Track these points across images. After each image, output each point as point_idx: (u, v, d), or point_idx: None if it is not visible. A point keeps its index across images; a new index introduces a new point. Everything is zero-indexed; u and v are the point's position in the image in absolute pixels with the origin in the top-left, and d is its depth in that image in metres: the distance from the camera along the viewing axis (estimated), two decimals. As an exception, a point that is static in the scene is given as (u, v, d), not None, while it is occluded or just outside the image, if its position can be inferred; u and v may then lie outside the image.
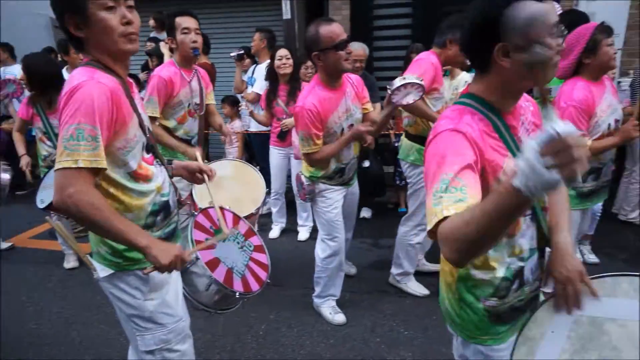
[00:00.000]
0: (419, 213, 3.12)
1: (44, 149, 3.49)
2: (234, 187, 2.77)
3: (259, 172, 2.96)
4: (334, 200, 2.78)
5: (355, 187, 2.98)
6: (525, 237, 1.24)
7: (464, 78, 3.43)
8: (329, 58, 2.39)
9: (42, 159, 3.51)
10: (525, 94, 1.27)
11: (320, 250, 2.90)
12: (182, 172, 1.83)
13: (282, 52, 4.04)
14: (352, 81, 2.68)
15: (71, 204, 1.28)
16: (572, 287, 1.13)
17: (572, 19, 2.78)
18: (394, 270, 3.32)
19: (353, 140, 2.63)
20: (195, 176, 1.83)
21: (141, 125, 1.50)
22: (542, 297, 1.34)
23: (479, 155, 1.09)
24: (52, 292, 3.49)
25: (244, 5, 6.12)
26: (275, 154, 4.19)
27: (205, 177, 1.82)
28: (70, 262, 3.81)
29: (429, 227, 1.02)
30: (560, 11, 4.68)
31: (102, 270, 1.55)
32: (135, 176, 1.48)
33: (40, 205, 2.76)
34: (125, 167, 1.45)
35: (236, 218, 1.97)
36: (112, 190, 1.45)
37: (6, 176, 2.02)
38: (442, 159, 1.06)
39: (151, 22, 5.39)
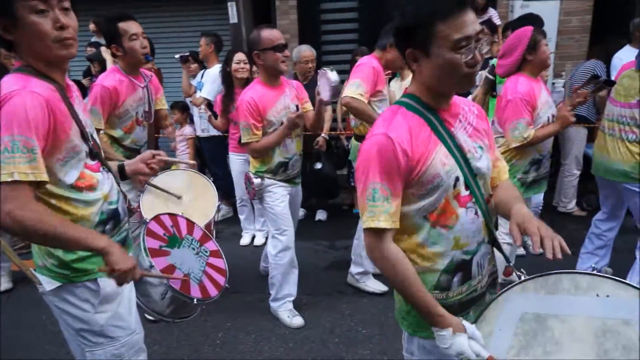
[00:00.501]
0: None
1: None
2: (185, 199, 2.70)
3: (211, 182, 2.91)
4: (280, 194, 2.91)
5: (299, 188, 3.12)
6: (470, 230, 1.27)
7: None
8: (267, 58, 2.66)
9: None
10: (467, 100, 1.39)
11: (272, 247, 2.96)
12: (138, 166, 1.76)
13: (240, 56, 4.03)
14: (292, 84, 2.96)
15: (11, 221, 1.20)
16: (546, 231, 1.17)
17: (527, 22, 3.07)
18: (353, 269, 3.37)
19: (289, 129, 2.80)
20: (150, 165, 1.78)
21: (83, 133, 1.43)
22: (488, 297, 1.37)
23: (404, 155, 1.18)
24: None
25: (188, 9, 6.02)
26: (235, 160, 4.13)
27: (157, 166, 1.80)
28: (3, 284, 3.56)
29: (364, 226, 1.22)
30: (497, 19, 4.98)
31: (48, 284, 1.46)
32: (77, 186, 1.41)
33: None
34: (66, 179, 1.38)
35: (190, 224, 1.94)
36: (54, 201, 1.38)
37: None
38: (371, 164, 1.19)
39: (91, 27, 5.20)
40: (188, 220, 1.93)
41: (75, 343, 1.60)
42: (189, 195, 2.70)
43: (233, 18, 5.37)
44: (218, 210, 2.97)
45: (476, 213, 1.28)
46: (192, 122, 5.09)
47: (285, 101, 2.83)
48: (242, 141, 2.85)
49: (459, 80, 1.17)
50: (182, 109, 5.05)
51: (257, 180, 2.88)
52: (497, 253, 1.40)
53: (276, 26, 5.50)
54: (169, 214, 1.86)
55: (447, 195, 1.23)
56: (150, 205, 2.51)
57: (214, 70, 4.52)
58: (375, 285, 3.32)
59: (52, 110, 1.28)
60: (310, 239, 3.35)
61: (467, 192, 1.25)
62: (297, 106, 2.89)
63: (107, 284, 1.49)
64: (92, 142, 1.48)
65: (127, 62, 2.81)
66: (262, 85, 2.78)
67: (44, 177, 1.25)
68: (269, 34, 2.64)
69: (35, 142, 1.23)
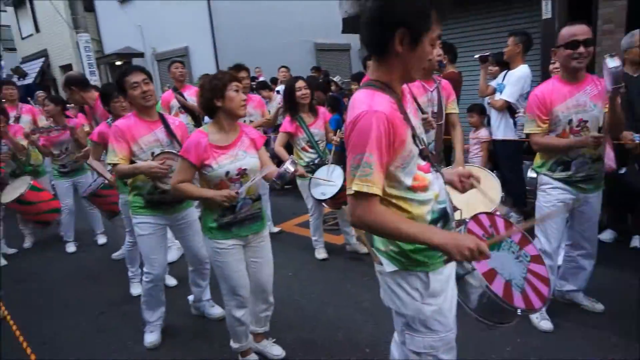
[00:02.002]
0: None
1: (305, 156, 4.12)
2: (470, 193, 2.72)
3: (495, 176, 2.88)
4: (554, 197, 2.82)
5: (592, 196, 2.85)
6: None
7: None
8: (560, 54, 2.63)
9: (304, 164, 4.10)
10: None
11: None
12: (453, 177, 1.82)
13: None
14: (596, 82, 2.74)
15: (361, 223, 1.47)
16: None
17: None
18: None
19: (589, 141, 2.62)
20: (463, 182, 1.82)
21: (415, 137, 1.55)
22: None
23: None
24: (312, 273, 4.09)
25: (496, 9, 5.91)
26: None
27: (475, 182, 1.81)
28: (321, 254, 4.36)
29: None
30: None
31: (387, 265, 1.65)
32: (413, 187, 1.55)
33: (320, 197, 3.70)
34: (405, 181, 1.53)
35: (508, 224, 1.85)
36: (394, 200, 1.56)
37: (291, 168, 2.54)
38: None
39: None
40: (506, 220, 1.86)
41: (399, 321, 1.78)
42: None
43: (547, 13, 5.01)
44: (508, 217, 2.91)
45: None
46: (488, 125, 5.03)
47: (580, 99, 2.66)
48: (525, 131, 2.87)
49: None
50: (480, 112, 5.05)
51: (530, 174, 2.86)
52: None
53: (597, 17, 4.85)
54: (487, 213, 1.82)
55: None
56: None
57: (519, 72, 4.34)
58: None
59: (392, 126, 1.43)
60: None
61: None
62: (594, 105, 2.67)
63: (436, 279, 1.62)
64: (422, 145, 1.61)
65: (420, 69, 3.07)
66: (559, 80, 2.72)
67: (376, 190, 1.44)
68: (567, 31, 2.57)
69: (373, 158, 1.41)
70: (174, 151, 2.87)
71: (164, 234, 3.08)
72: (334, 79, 8.09)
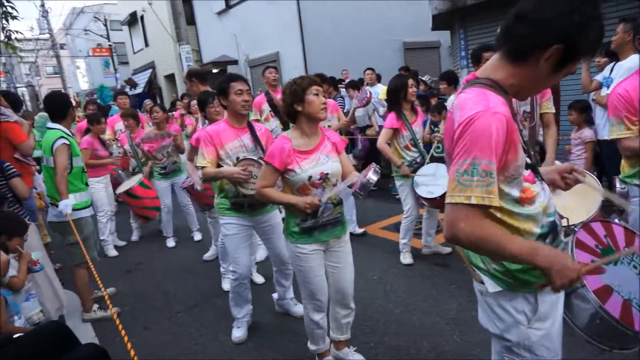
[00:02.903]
0: None
1: (408, 155, 4.06)
2: (567, 196, 2.50)
3: (597, 180, 2.59)
4: None
5: None
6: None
7: None
8: None
9: (406, 164, 4.07)
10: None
11: None
12: (554, 175, 1.65)
13: None
14: None
15: (462, 238, 1.30)
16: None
17: None
18: None
19: None
20: (565, 178, 1.64)
21: (523, 146, 1.41)
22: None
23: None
24: (397, 278, 4.02)
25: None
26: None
27: (580, 176, 1.62)
28: (407, 259, 4.26)
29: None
30: None
31: (490, 285, 1.50)
32: (520, 200, 1.41)
33: (429, 196, 3.84)
34: (512, 193, 1.40)
35: (629, 234, 1.61)
36: (498, 214, 1.41)
37: (374, 178, 2.47)
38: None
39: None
40: (626, 228, 1.61)
41: (496, 345, 1.62)
42: (573, 193, 2.51)
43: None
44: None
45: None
46: (592, 124, 4.59)
47: None
48: (611, 136, 2.53)
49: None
50: (581, 110, 4.62)
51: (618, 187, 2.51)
52: None
53: None
54: (602, 221, 1.62)
55: None
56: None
57: (629, 63, 3.89)
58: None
59: (510, 131, 1.31)
60: None
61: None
62: None
63: (545, 301, 1.46)
64: (529, 154, 1.46)
65: None
66: None
67: (496, 202, 1.29)
68: None
69: (494, 166, 1.26)
70: (255, 158, 3.00)
71: (248, 234, 3.23)
72: (423, 78, 7.90)
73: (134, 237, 6.09)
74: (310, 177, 2.44)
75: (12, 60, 33.61)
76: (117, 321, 2.26)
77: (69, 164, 3.56)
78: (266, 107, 5.59)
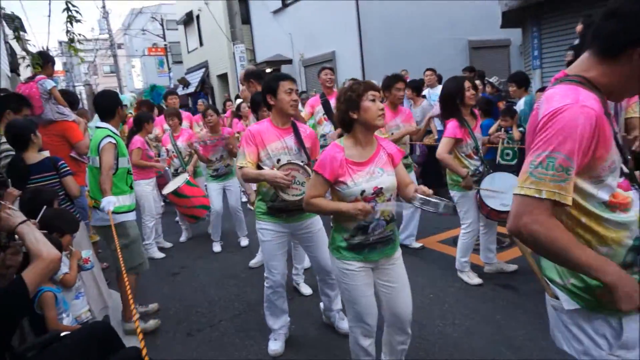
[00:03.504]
0: None
1: (471, 164, 3.93)
2: None
3: None
4: None
5: None
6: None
7: None
8: None
9: (470, 173, 3.92)
10: None
11: None
12: None
13: None
14: None
15: (525, 233, 1.29)
16: None
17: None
18: None
19: None
20: None
21: (619, 147, 1.37)
22: None
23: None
24: (456, 297, 3.87)
25: None
26: None
27: None
28: (473, 279, 4.08)
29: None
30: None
31: (565, 302, 1.45)
32: (610, 205, 1.36)
33: (503, 209, 3.71)
34: (596, 197, 1.35)
35: None
36: (584, 219, 1.37)
37: (441, 210, 2.34)
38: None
39: (579, 28, 5.15)
40: None
41: None
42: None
43: None
44: None
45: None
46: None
47: None
48: None
49: None
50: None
51: None
52: None
53: None
54: None
55: None
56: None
57: None
58: None
59: (600, 128, 1.27)
60: None
61: None
62: None
63: (631, 327, 1.38)
64: (625, 159, 1.41)
65: None
66: None
67: (569, 200, 1.26)
68: None
69: (573, 162, 1.25)
70: (299, 162, 2.97)
71: (284, 241, 3.22)
72: (490, 80, 7.64)
73: (183, 238, 6.29)
74: (363, 192, 2.35)
75: (73, 60, 36.00)
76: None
77: (115, 164, 3.58)
78: (320, 109, 5.61)
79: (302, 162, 2.98)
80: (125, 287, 3.54)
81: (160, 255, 5.70)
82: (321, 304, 3.60)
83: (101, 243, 5.45)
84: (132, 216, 3.71)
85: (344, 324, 3.42)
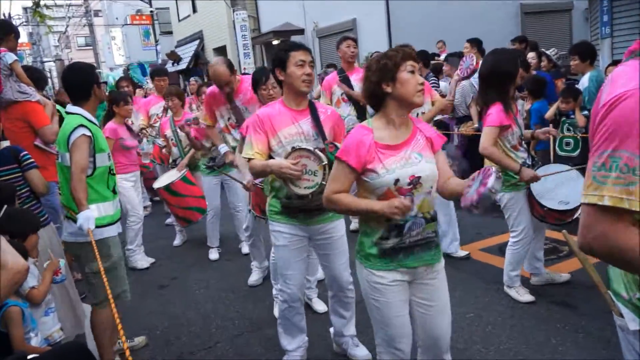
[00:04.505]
0: None
1: (518, 156, 3.89)
2: None
3: None
4: None
5: None
6: None
7: None
8: None
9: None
10: None
11: None
12: None
13: None
14: None
15: (595, 247, 1.29)
16: None
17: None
18: None
19: None
20: None
21: None
22: None
23: None
24: (502, 317, 3.86)
25: None
26: None
27: None
28: (525, 296, 4.06)
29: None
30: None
31: (631, 321, 1.46)
32: None
33: (562, 207, 3.75)
34: None
35: None
36: None
37: (496, 186, 2.26)
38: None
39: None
40: None
41: None
42: None
43: None
44: None
45: None
46: None
47: None
48: None
49: None
50: None
51: None
52: None
53: None
54: None
55: None
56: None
57: None
58: None
59: None
60: None
61: None
62: None
63: None
64: None
65: None
66: None
67: (637, 205, 1.23)
68: None
69: None
70: (310, 148, 2.93)
71: (302, 247, 3.23)
72: (547, 52, 7.57)
73: (177, 241, 6.42)
74: (397, 181, 2.31)
75: (40, 30, 36.35)
76: None
77: (91, 162, 3.27)
78: (338, 89, 5.62)
79: (315, 147, 2.97)
80: (104, 324, 3.35)
81: (146, 263, 5.77)
82: (331, 329, 3.58)
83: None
84: (115, 230, 3.43)
85: (359, 351, 3.43)
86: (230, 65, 4.62)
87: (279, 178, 3.00)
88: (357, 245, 2.52)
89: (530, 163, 3.93)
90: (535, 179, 3.76)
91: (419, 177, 2.33)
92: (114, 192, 3.47)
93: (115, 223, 3.42)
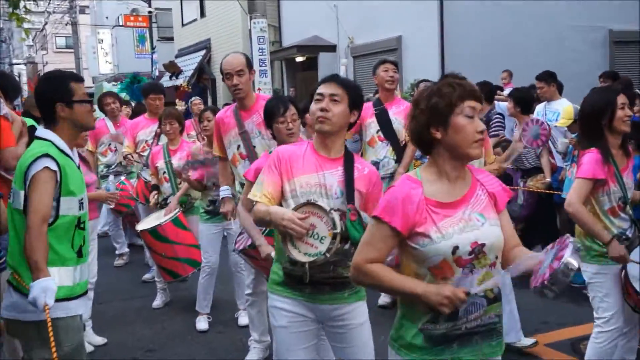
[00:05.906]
0: None
1: (614, 224, 3.85)
2: None
3: None
4: None
5: None
6: None
7: None
8: None
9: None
10: None
11: None
12: None
13: None
14: None
15: None
16: None
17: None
18: None
19: None
20: None
21: None
22: None
23: None
24: None
25: None
26: None
27: None
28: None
29: None
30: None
31: None
32: None
33: None
34: None
35: None
36: None
37: (574, 263, 2.24)
38: None
39: None
40: None
41: None
42: None
43: None
44: None
45: None
46: None
47: None
48: None
49: None
50: None
51: None
52: None
53: None
54: None
55: None
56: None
57: None
58: None
59: None
60: None
61: None
62: None
63: None
64: None
65: None
66: None
67: None
68: None
69: None
70: (326, 208, 2.81)
71: (309, 331, 3.07)
72: (640, 92, 7.57)
73: (157, 301, 6.33)
74: (456, 249, 2.25)
75: (12, 26, 37.22)
76: None
77: (54, 208, 3.01)
78: (373, 122, 5.63)
79: (331, 208, 2.85)
80: None
81: (100, 340, 5.39)
82: None
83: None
84: (73, 309, 3.14)
85: None
86: (248, 60, 4.61)
87: (279, 232, 2.93)
88: (394, 331, 2.44)
89: (629, 235, 3.83)
90: (623, 260, 3.66)
91: (483, 245, 2.28)
92: (80, 254, 3.18)
93: (74, 298, 3.13)
